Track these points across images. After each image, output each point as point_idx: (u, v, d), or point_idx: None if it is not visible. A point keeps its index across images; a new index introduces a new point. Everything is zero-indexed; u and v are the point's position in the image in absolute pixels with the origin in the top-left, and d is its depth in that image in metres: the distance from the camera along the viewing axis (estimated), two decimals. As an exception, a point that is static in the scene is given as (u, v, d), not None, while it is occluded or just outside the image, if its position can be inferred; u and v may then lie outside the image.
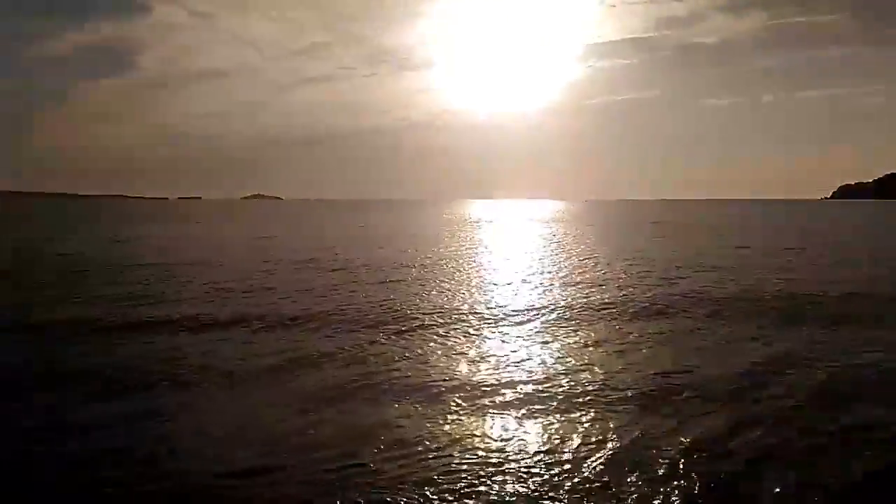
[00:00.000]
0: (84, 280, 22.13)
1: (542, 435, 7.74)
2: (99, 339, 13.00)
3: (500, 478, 6.52)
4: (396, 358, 11.34)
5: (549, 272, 24.79)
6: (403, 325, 14.10)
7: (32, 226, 67.76)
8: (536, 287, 20.39)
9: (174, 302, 17.26)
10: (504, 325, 14.30)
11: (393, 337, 13.03)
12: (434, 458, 6.98)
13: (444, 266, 26.99)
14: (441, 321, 14.55)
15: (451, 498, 6.09)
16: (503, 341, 12.79)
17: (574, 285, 20.82)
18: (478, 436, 7.74)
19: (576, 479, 6.47)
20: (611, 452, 7.13)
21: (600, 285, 20.33)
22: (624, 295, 18.22)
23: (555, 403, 8.87)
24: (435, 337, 13.12)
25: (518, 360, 11.26)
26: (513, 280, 22.24)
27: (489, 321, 14.79)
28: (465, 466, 6.77)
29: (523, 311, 15.85)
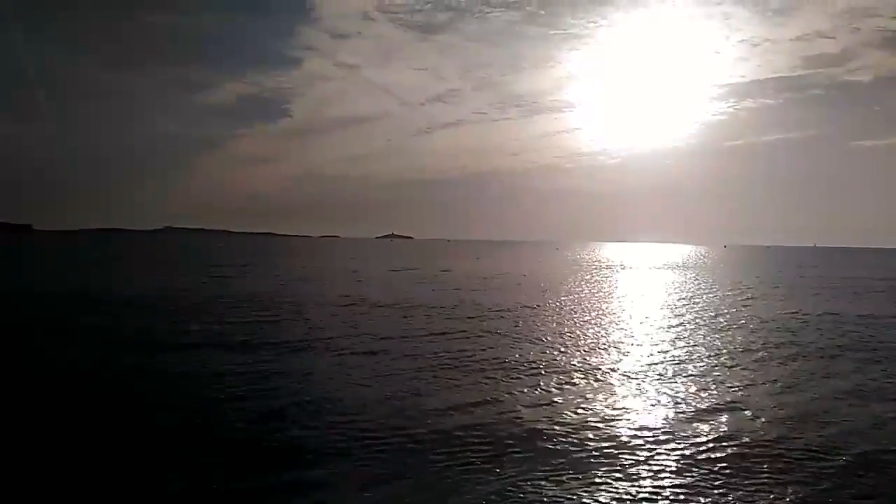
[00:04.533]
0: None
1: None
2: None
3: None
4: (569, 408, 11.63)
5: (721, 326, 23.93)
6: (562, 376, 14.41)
7: (204, 258, 75.46)
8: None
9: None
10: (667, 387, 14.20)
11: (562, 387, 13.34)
12: None
13: (590, 315, 26.88)
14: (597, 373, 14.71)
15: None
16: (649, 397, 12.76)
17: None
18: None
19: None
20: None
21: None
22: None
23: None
24: (598, 386, 13.36)
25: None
26: (696, 337, 20.59)
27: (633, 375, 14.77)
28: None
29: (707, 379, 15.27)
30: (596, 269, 67.79)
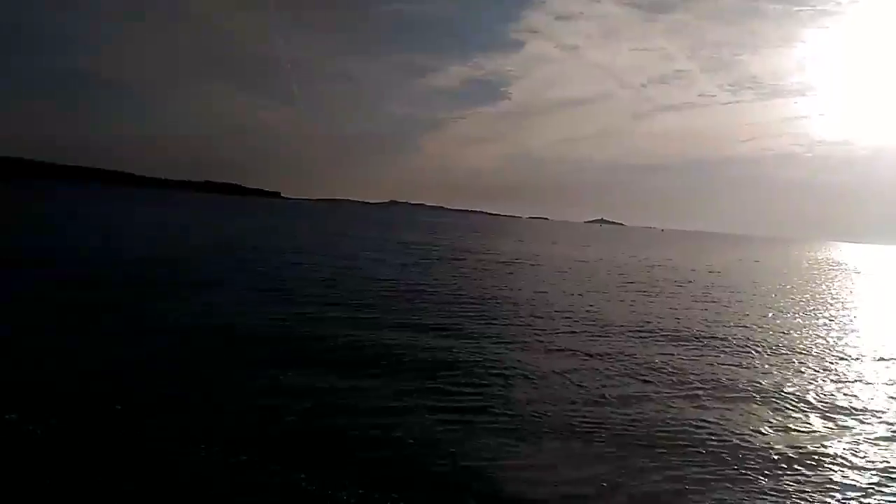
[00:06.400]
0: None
1: None
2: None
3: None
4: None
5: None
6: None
7: (439, 232, 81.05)
8: None
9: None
10: None
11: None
12: None
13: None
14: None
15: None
16: None
17: None
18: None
19: None
20: None
21: None
22: None
23: None
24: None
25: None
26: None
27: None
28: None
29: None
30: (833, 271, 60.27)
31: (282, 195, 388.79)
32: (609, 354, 14.06)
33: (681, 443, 8.78)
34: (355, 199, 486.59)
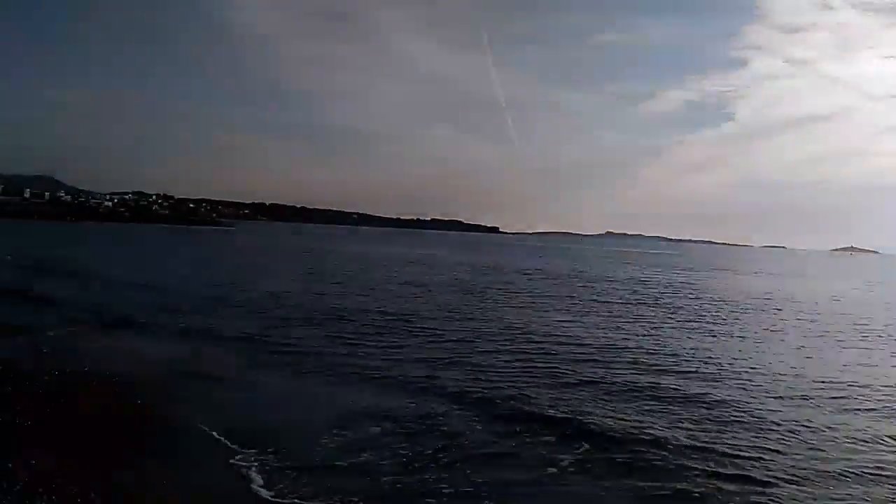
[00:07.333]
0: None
1: None
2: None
3: None
4: None
5: None
6: None
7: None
8: None
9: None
10: None
11: None
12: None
13: None
14: None
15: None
16: None
17: None
18: None
19: None
20: None
21: None
22: None
23: None
24: None
25: None
26: None
27: None
28: None
29: None
30: None
31: (500, 230, 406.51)
32: None
33: None
34: (570, 231, 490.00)
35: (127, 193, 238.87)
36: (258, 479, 8.90)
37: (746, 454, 10.44)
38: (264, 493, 8.57)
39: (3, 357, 13.60)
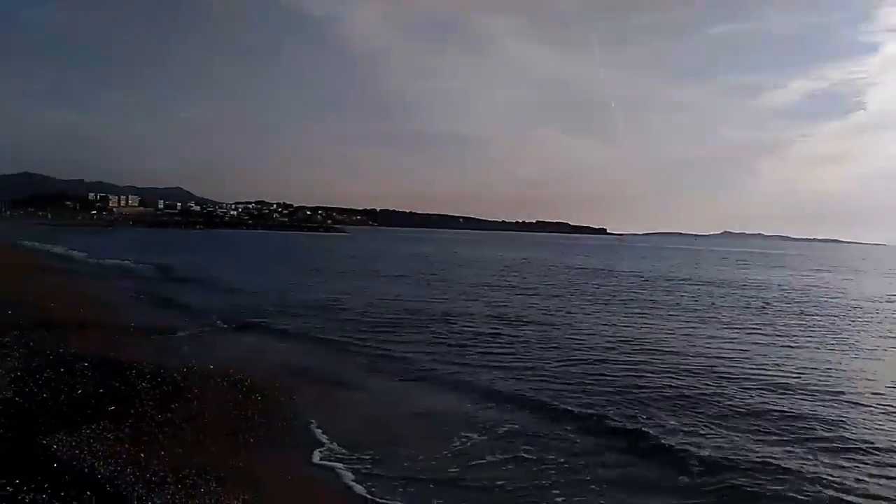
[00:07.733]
0: None
1: None
2: None
3: None
4: None
5: None
6: None
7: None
8: None
9: None
10: None
11: None
12: None
13: None
14: None
15: None
16: None
17: None
18: None
19: None
20: None
21: None
22: None
23: None
24: None
25: None
26: None
27: None
28: None
29: None
30: None
31: (608, 231, 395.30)
32: None
33: None
34: (683, 231, 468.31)
35: (250, 202, 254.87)
36: (358, 487, 8.97)
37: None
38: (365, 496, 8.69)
39: (138, 355, 14.68)
